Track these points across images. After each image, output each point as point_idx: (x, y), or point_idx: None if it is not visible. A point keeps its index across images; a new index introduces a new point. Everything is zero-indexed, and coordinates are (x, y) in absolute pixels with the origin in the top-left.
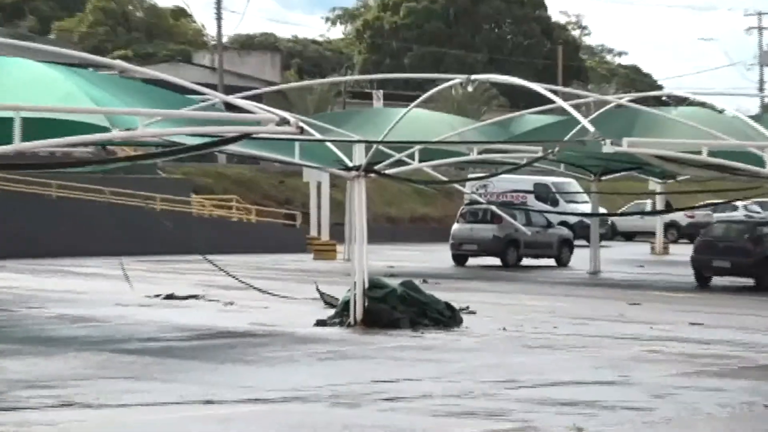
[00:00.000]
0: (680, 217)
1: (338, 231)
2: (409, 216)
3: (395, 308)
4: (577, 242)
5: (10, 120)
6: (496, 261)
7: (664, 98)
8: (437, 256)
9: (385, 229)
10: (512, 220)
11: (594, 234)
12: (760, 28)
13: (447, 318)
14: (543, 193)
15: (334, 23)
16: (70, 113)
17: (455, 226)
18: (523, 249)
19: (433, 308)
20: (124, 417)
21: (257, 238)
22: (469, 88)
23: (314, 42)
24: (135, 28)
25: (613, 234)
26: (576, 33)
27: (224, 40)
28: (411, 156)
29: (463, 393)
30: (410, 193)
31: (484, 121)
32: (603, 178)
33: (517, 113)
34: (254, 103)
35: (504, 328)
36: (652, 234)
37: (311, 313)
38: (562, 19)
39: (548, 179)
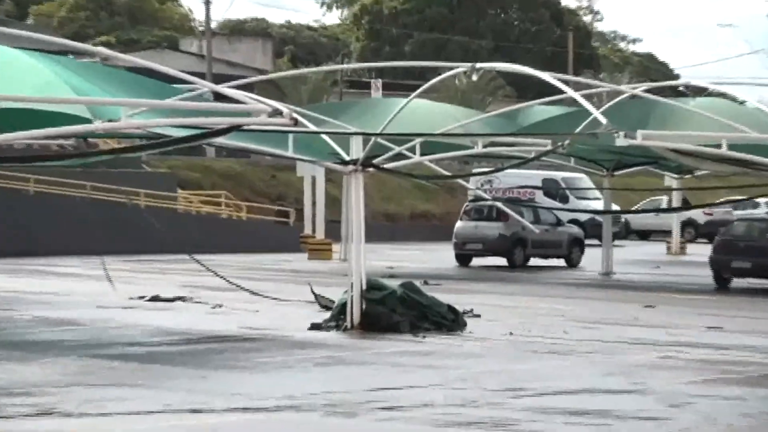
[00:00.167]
0: (698, 215)
1: (334, 229)
2: (409, 213)
3: (394, 311)
4: (588, 241)
5: None
6: (501, 261)
7: (681, 88)
8: (439, 256)
9: (384, 227)
10: (519, 218)
11: (606, 233)
12: None
13: (449, 321)
14: (552, 189)
15: (329, 8)
16: (49, 103)
17: (458, 224)
18: (530, 248)
19: (434, 311)
20: (107, 426)
21: (247, 236)
22: (474, 77)
23: (309, 28)
24: (118, 12)
25: (626, 233)
26: (587, 18)
27: (213, 25)
28: (412, 149)
29: (466, 401)
30: (411, 189)
31: (489, 112)
32: (616, 173)
33: (524, 104)
34: (245, 93)
35: (510, 333)
36: (668, 233)
37: (305, 317)
38: (572, 4)
39: (558, 174)
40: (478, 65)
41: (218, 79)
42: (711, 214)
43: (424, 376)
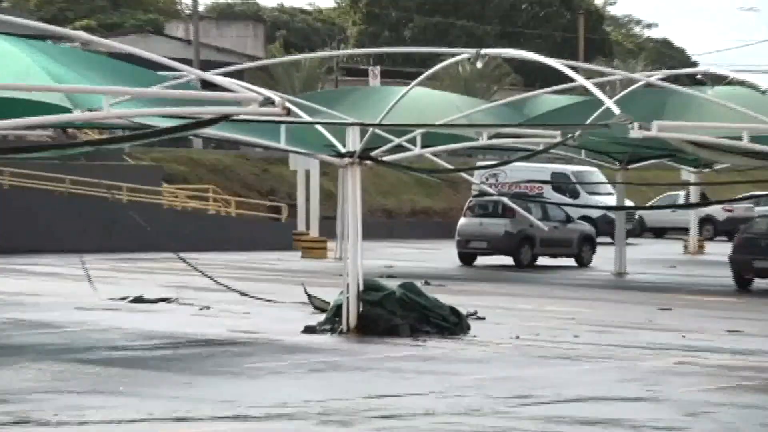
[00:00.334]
0: (717, 212)
1: (329, 226)
2: (409, 209)
3: (393, 313)
4: (600, 239)
5: None
6: (508, 260)
7: (699, 76)
8: (441, 255)
9: (382, 224)
10: (527, 214)
11: (619, 230)
12: None
13: (452, 324)
14: (562, 184)
15: None
16: (26, 91)
17: (462, 221)
18: (538, 247)
19: (436, 313)
20: None
21: (237, 233)
22: (478, 64)
23: (302, 11)
24: None
25: (641, 230)
26: (599, 2)
27: (200, 8)
28: (412, 141)
29: (470, 410)
30: (411, 183)
31: (495, 101)
32: (630, 166)
33: (532, 93)
34: (234, 81)
35: (517, 337)
36: (686, 230)
37: (298, 319)
38: None
39: (568, 168)
40: (483, 51)
41: (206, 65)
42: (731, 211)
43: (424, 382)
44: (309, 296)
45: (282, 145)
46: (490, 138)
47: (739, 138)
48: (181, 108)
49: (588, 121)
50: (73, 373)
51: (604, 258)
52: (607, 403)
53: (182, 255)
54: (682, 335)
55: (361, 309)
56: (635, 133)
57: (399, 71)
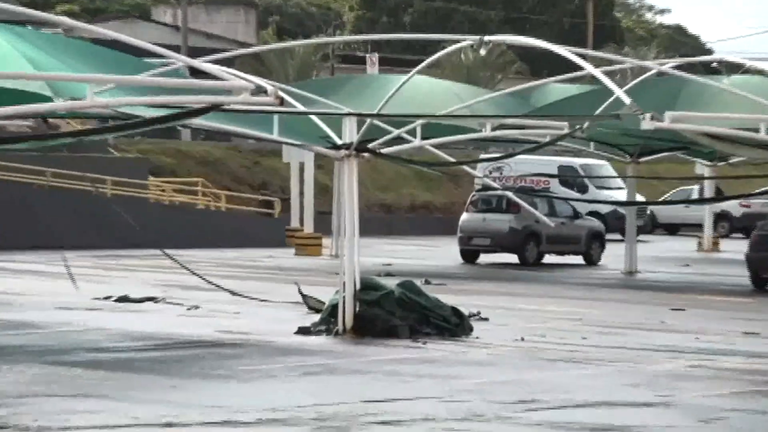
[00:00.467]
0: (733, 207)
1: (324, 221)
2: (408, 204)
3: (392, 314)
4: (609, 236)
5: None
6: (512, 258)
7: (714, 64)
8: (442, 252)
9: (381, 220)
10: (532, 210)
11: (630, 226)
12: None
13: (453, 326)
14: (569, 178)
15: None
16: (5, 79)
17: (464, 217)
18: (545, 244)
19: (436, 314)
20: None
21: (227, 229)
22: (482, 52)
23: None
24: None
25: (652, 226)
26: None
27: None
28: (412, 132)
29: (472, 415)
30: (410, 177)
31: (499, 91)
32: (641, 159)
33: (538, 82)
34: (225, 69)
35: (521, 338)
36: (700, 227)
37: (292, 320)
38: None
39: (576, 161)
40: (487, 38)
41: (195, 52)
42: (748, 206)
43: (424, 386)
44: (303, 296)
45: (275, 136)
46: (494, 129)
47: (757, 130)
48: (168, 97)
49: (597, 112)
50: (55, 375)
51: (613, 256)
52: (616, 409)
53: (169, 252)
54: (696, 337)
55: (357, 309)
56: (647, 124)
57: (398, 59)
